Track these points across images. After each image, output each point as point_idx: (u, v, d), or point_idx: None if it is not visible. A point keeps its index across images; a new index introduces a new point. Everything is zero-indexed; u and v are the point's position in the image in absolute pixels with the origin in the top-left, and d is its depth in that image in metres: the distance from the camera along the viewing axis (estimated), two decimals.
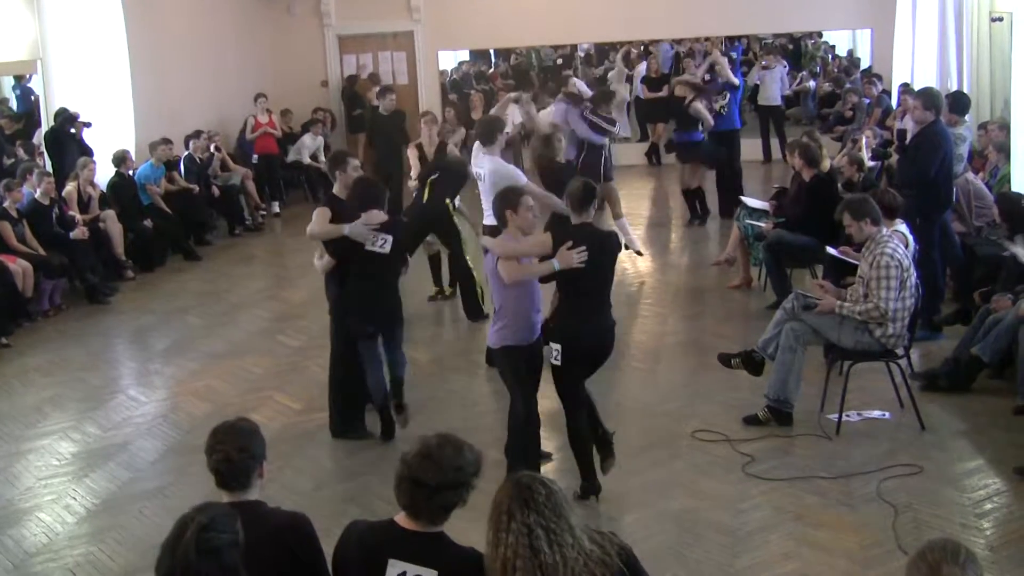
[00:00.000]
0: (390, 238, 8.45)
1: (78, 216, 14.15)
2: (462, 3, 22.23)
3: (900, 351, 8.65)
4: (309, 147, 20.08)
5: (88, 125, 15.43)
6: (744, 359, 9.00)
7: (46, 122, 15.45)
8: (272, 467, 4.62)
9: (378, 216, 8.43)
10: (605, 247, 7.43)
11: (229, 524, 3.74)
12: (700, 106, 15.89)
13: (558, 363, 7.29)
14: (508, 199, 7.43)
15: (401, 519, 4.15)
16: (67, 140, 15.13)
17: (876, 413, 8.76)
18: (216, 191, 17.67)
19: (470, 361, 10.67)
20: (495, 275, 7.31)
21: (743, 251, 12.70)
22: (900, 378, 8.68)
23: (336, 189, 8.87)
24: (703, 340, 11.00)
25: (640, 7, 21.55)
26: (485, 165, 10.42)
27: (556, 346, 7.28)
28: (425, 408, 9.38)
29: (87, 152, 15.16)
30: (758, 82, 21.67)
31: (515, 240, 7.35)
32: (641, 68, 22.67)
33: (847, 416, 8.58)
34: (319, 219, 8.55)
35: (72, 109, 15.18)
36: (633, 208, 18.08)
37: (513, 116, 17.62)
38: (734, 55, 21.49)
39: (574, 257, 7.05)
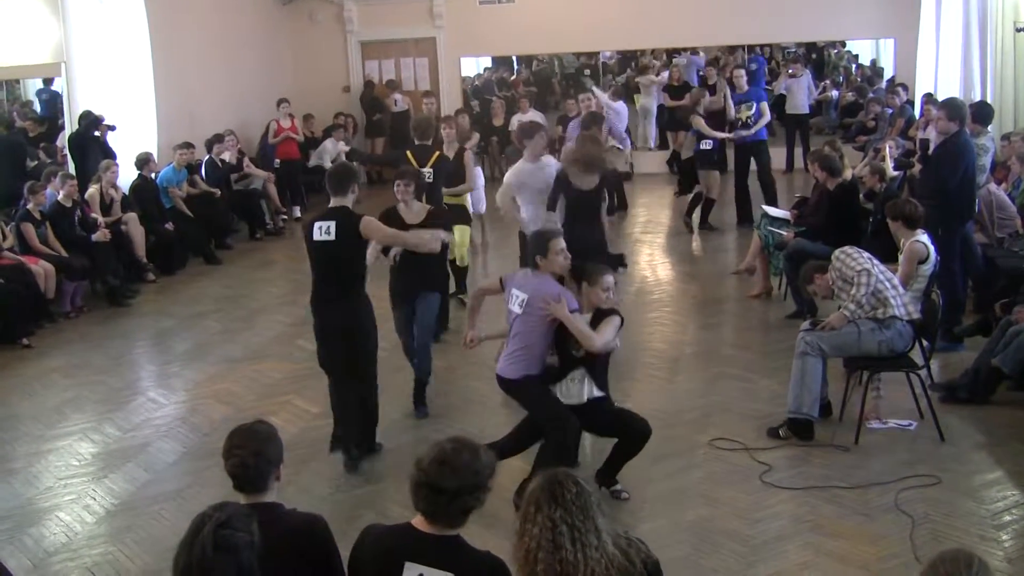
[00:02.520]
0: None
1: (100, 218, 14.22)
2: (484, 10, 22.28)
3: (921, 359, 8.62)
4: (331, 152, 20.14)
5: (113, 128, 15.51)
6: (791, 427, 8.64)
7: (69, 125, 15.52)
8: (289, 471, 4.63)
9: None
10: None
11: (246, 523, 3.75)
12: (700, 121, 16.01)
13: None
14: (539, 246, 7.54)
15: (418, 522, 4.15)
16: (90, 143, 15.21)
17: (903, 422, 8.72)
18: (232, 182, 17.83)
19: (487, 367, 10.64)
20: (534, 311, 7.36)
21: (763, 260, 12.68)
22: (920, 389, 8.63)
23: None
24: (722, 349, 10.99)
25: (663, 16, 21.55)
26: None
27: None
28: (442, 414, 9.43)
29: (110, 155, 15.23)
30: (784, 91, 21.61)
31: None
32: (663, 76, 22.71)
33: (876, 423, 8.64)
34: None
35: (96, 112, 15.26)
36: (653, 216, 18.12)
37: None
38: (754, 67, 21.41)
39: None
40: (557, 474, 4.01)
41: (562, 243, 7.62)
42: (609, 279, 7.49)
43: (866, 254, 8.60)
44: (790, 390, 8.56)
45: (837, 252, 8.74)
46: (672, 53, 23.33)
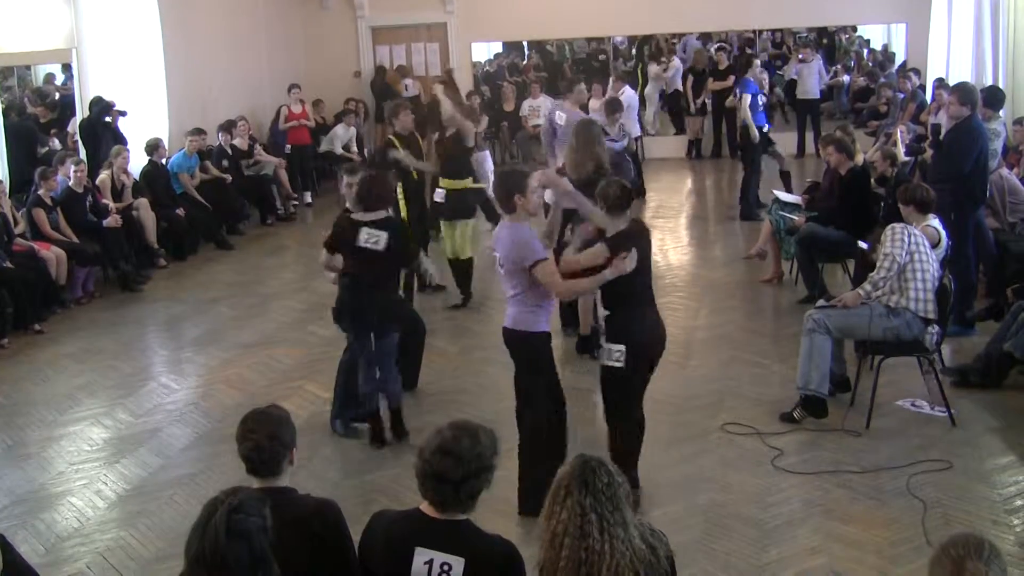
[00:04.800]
0: (384, 235, 8.22)
1: (111, 204, 14.24)
2: None
3: (934, 339, 8.58)
4: (342, 137, 20.12)
5: (124, 114, 15.52)
6: (804, 405, 8.63)
7: (81, 111, 15.53)
8: (301, 456, 4.64)
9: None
10: (649, 241, 7.52)
11: (258, 508, 3.75)
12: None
13: (620, 365, 7.14)
14: (516, 183, 7.09)
15: (427, 507, 4.15)
16: (102, 129, 15.21)
17: (937, 411, 8.71)
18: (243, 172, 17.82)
19: (502, 352, 10.60)
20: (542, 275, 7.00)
21: (775, 245, 12.66)
22: (932, 373, 8.63)
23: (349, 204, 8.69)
24: (734, 334, 10.98)
25: (674, 0, 21.49)
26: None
27: (618, 347, 7.13)
28: (455, 400, 9.44)
29: (121, 141, 15.24)
30: (795, 76, 21.56)
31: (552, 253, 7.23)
32: (673, 66, 22.74)
33: (909, 405, 8.74)
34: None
35: (107, 98, 15.26)
36: (665, 201, 18.09)
37: (545, 107, 17.70)
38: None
39: (627, 265, 6.96)
40: (590, 461, 4.00)
41: (536, 181, 7.31)
42: (533, 181, 7.16)
43: (915, 238, 8.48)
44: (799, 367, 8.56)
45: (890, 225, 8.67)
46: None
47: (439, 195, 12.36)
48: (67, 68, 16.21)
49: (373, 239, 8.18)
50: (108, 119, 15.30)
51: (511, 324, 7.25)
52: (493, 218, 14.06)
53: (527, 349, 7.28)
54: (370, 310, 8.37)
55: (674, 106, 23.11)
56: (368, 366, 8.50)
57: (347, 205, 8.72)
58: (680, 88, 22.73)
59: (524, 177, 7.16)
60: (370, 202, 8.27)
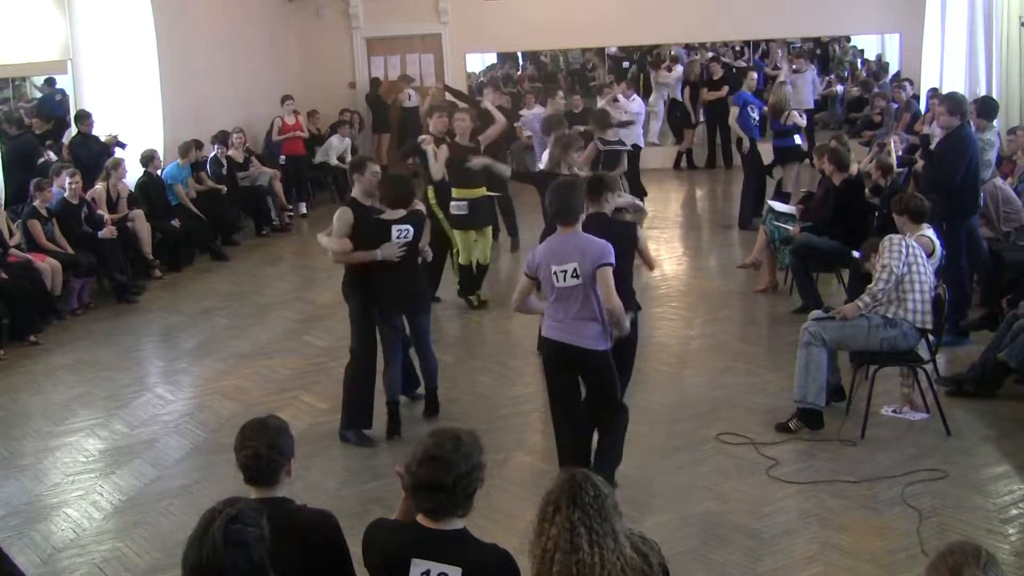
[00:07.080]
0: (410, 228, 8.62)
1: (107, 215, 14.24)
2: (490, 5, 22.22)
3: (927, 353, 8.60)
4: (337, 148, 20.14)
5: (124, 146, 15.54)
6: (800, 417, 8.62)
7: (75, 123, 15.53)
8: (297, 466, 4.63)
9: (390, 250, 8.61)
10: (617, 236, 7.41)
11: (256, 518, 3.74)
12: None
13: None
14: (581, 194, 7.31)
15: (423, 518, 4.15)
16: (95, 143, 15.23)
17: (918, 415, 8.75)
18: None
19: (497, 363, 10.67)
20: (604, 278, 6.96)
21: (769, 255, 12.67)
22: (926, 383, 8.65)
23: (355, 193, 8.85)
24: (728, 343, 10.99)
25: (668, 10, 21.51)
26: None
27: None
28: (448, 410, 9.40)
29: (109, 155, 15.24)
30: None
31: None
32: (676, 71, 22.80)
33: (891, 412, 8.76)
34: (342, 226, 8.61)
35: (99, 111, 15.28)
36: (660, 211, 18.08)
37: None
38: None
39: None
40: (576, 475, 4.03)
41: None
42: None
43: (913, 250, 8.48)
44: (795, 380, 8.56)
45: (887, 237, 8.68)
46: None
47: (460, 207, 12.32)
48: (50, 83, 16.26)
49: (403, 234, 8.60)
50: (101, 138, 15.33)
51: (593, 345, 7.13)
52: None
53: (606, 367, 7.28)
54: (405, 295, 8.87)
55: (672, 116, 23.18)
56: (395, 353, 8.93)
57: (355, 195, 8.87)
58: (679, 98, 22.81)
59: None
60: (396, 201, 8.67)
